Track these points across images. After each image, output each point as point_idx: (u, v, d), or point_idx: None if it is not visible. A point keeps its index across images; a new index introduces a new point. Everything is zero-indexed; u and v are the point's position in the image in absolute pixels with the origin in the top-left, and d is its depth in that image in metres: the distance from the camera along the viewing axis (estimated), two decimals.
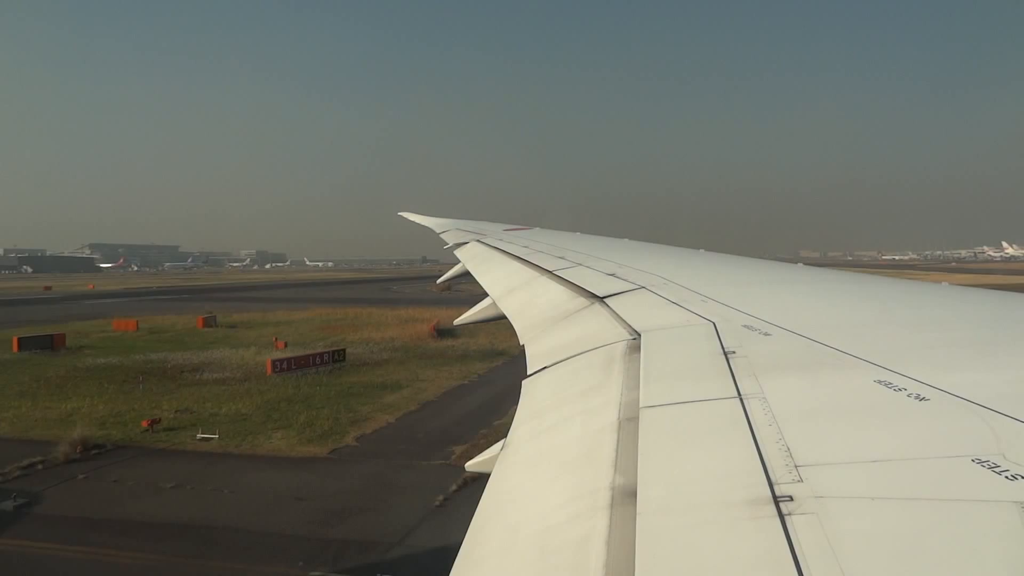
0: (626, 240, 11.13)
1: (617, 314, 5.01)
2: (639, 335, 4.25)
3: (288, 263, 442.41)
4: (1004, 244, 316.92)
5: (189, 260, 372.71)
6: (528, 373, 4.46)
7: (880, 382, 2.81)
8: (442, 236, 14.53)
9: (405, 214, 19.09)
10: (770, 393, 2.85)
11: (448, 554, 2.28)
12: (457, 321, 8.63)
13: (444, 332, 61.97)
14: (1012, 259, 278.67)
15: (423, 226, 17.37)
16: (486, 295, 8.05)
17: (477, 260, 10.62)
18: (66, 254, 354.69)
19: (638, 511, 2.04)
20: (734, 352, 3.52)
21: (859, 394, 2.76)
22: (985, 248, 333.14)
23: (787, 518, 1.81)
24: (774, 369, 3.21)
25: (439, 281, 12.00)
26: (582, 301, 5.86)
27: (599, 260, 7.85)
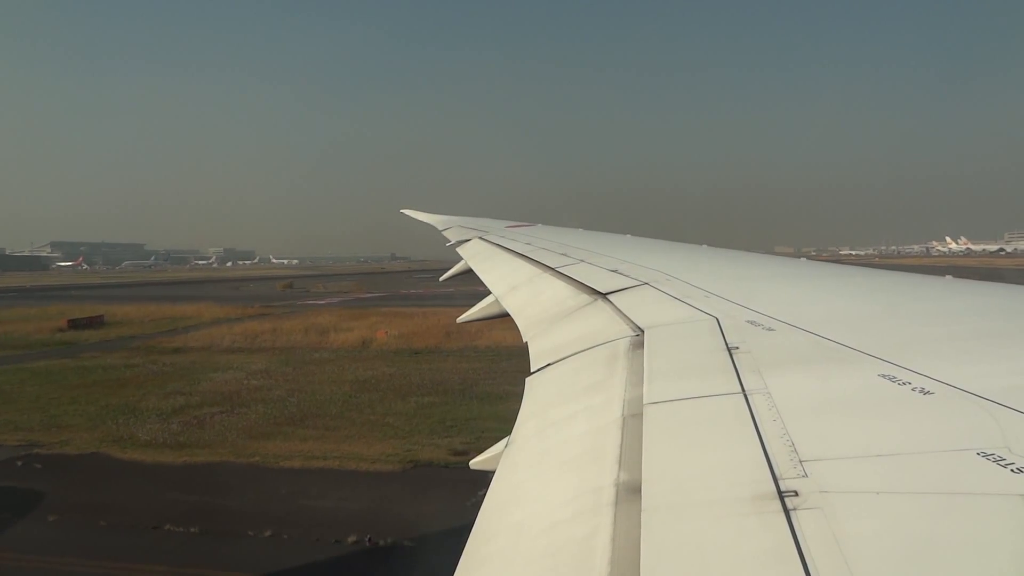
0: (628, 236, 11.11)
1: (620, 310, 5.01)
2: (642, 331, 4.25)
3: (256, 260, 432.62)
4: (948, 239, 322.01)
5: (152, 259, 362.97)
6: (532, 370, 4.46)
7: (884, 376, 2.80)
8: (444, 233, 14.52)
9: (407, 211, 19.01)
10: (774, 388, 2.85)
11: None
12: (460, 319, 8.61)
13: (82, 324, 62.76)
14: (957, 253, 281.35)
15: (423, 224, 17.34)
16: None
17: (479, 258, 10.61)
18: (26, 253, 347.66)
19: (643, 507, 2.04)
20: (738, 348, 3.52)
21: (863, 388, 2.76)
22: (935, 243, 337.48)
23: (792, 513, 1.81)
24: (778, 364, 3.21)
25: (441, 279, 11.99)
26: (585, 298, 5.86)
27: (602, 256, 7.84)
